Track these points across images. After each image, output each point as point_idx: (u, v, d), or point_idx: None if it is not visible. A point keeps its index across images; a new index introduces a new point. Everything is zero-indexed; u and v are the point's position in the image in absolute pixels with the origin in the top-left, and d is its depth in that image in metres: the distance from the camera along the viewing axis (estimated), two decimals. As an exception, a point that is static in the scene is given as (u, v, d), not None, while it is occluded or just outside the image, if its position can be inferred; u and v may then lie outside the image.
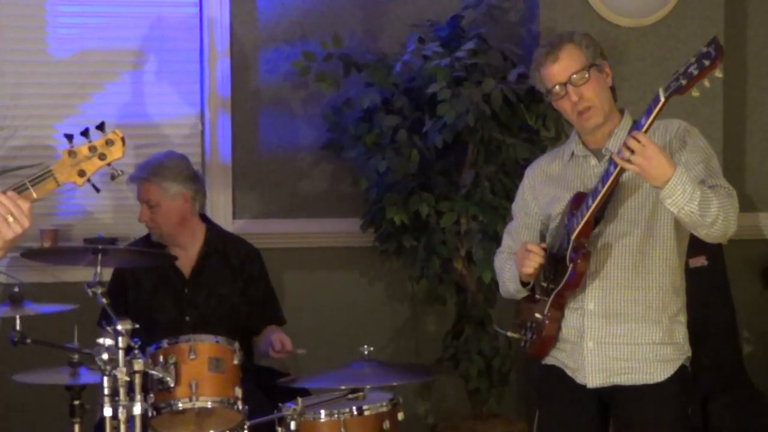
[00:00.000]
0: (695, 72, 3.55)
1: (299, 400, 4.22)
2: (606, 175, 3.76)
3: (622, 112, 4.01)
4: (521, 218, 4.20)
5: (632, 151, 3.60)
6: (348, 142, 5.80)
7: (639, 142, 3.60)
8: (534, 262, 3.92)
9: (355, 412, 4.28)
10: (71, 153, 3.54)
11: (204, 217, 5.25)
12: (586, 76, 3.88)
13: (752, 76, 6.34)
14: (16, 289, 4.74)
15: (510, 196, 5.52)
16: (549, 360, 4.07)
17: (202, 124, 5.97)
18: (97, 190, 3.62)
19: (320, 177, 6.07)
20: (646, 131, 3.63)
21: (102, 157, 3.56)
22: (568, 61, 3.88)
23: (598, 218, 3.86)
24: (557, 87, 3.90)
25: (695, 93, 3.63)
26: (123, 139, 3.59)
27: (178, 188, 5.08)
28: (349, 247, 6.07)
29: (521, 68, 5.65)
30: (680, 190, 3.62)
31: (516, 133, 5.62)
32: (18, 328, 4.49)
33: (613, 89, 3.98)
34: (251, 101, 6.00)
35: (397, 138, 5.57)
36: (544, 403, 4.16)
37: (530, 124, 5.60)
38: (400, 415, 4.38)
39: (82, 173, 3.54)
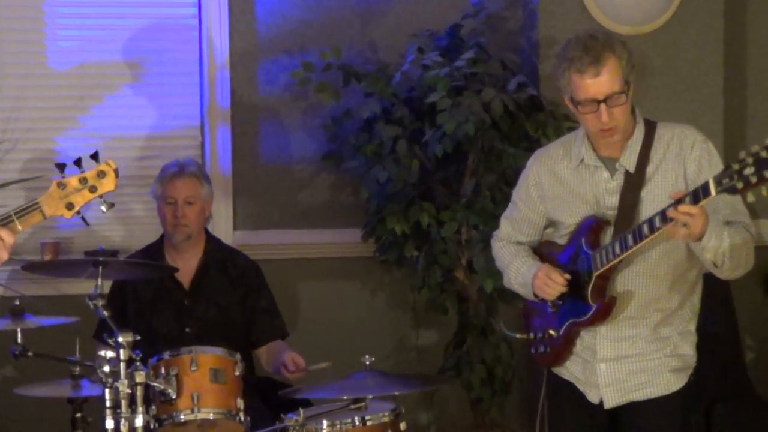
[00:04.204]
0: (753, 180, 3.34)
1: (301, 411, 4.21)
2: (639, 233, 3.65)
3: (633, 110, 3.88)
4: (524, 212, 4.14)
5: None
6: (348, 153, 5.80)
7: (692, 216, 3.50)
8: (556, 291, 3.90)
9: (358, 423, 4.27)
10: (60, 184, 3.50)
11: (204, 229, 5.26)
12: (623, 99, 3.76)
13: (752, 83, 6.34)
14: (17, 302, 4.73)
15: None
16: (561, 371, 4.07)
17: (202, 135, 5.97)
18: (87, 223, 3.60)
19: (320, 188, 6.07)
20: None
21: (93, 189, 3.52)
22: (609, 78, 3.73)
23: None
24: (590, 102, 3.77)
25: (750, 198, 3.45)
26: (116, 171, 3.54)
27: (210, 192, 5.19)
28: (350, 257, 6.07)
29: (521, 77, 5.66)
30: (716, 234, 3.59)
31: (516, 142, 5.62)
32: (19, 341, 4.49)
33: (633, 107, 3.89)
34: (251, 112, 6.00)
35: (397, 148, 5.57)
36: (554, 415, 4.15)
37: (530, 133, 5.59)
38: (403, 425, 4.37)
39: (70, 206, 3.51)
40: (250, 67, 5.99)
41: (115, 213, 5.89)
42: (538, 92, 5.68)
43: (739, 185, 3.36)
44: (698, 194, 3.47)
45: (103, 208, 3.58)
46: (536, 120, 5.59)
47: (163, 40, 5.94)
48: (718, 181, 3.41)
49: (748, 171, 3.34)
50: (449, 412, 6.17)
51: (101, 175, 3.53)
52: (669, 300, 3.91)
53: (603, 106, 3.74)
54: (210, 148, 5.95)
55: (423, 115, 5.65)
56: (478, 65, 5.62)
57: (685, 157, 3.81)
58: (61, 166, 3.52)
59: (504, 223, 4.24)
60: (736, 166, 3.37)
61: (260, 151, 6.02)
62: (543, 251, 4.11)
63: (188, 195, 5.08)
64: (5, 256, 3.38)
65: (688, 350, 3.98)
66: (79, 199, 3.52)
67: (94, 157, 3.56)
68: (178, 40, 5.95)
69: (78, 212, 3.54)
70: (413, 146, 5.60)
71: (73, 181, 3.51)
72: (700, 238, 3.60)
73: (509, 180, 5.59)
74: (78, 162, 3.52)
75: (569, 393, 4.03)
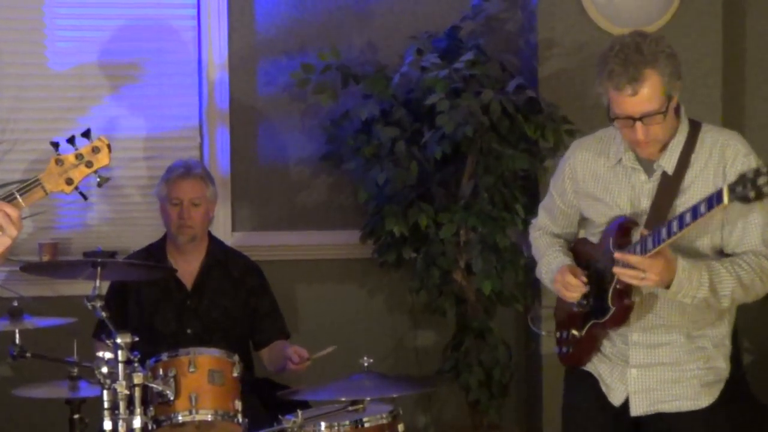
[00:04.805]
0: (767, 190, 3.27)
1: (299, 412, 4.21)
2: (658, 237, 3.55)
3: (677, 110, 3.76)
4: (559, 204, 4.05)
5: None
6: (347, 154, 5.80)
7: (650, 270, 3.52)
8: (576, 293, 3.82)
9: (356, 424, 4.27)
10: (58, 161, 3.60)
11: (207, 231, 5.27)
12: (660, 118, 3.63)
13: (750, 87, 6.35)
14: (16, 303, 4.73)
15: (509, 207, 5.54)
16: (586, 365, 3.97)
17: (201, 136, 5.97)
18: (85, 198, 3.68)
19: (319, 189, 6.07)
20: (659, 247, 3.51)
21: (89, 164, 3.61)
22: (647, 98, 3.60)
23: None
24: (625, 118, 3.65)
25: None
26: (109, 146, 3.65)
27: (215, 193, 5.20)
28: (349, 258, 6.07)
29: (520, 79, 5.66)
30: (686, 284, 3.57)
31: (515, 144, 5.62)
32: (17, 342, 4.49)
33: (678, 105, 3.76)
34: (250, 113, 6.00)
35: (395, 149, 5.57)
36: (570, 416, 4.07)
37: (529, 135, 5.59)
38: (401, 427, 4.37)
39: (69, 181, 3.59)
40: (248, 69, 5.99)
41: (113, 214, 5.91)
42: (537, 94, 5.69)
43: (752, 194, 3.29)
44: (711, 201, 3.40)
45: (98, 180, 3.67)
46: (535, 122, 5.59)
47: (161, 41, 5.94)
48: (732, 189, 3.33)
49: (762, 181, 3.27)
50: (447, 414, 6.17)
51: (96, 150, 3.63)
52: (704, 309, 3.79)
53: (638, 123, 3.63)
54: (209, 149, 5.95)
55: (422, 116, 5.65)
56: (477, 67, 5.62)
57: (726, 168, 3.70)
58: (55, 145, 3.62)
59: (542, 212, 4.16)
60: (750, 173, 3.30)
61: (259, 152, 6.02)
62: (579, 249, 4.01)
63: (194, 196, 5.09)
64: (14, 232, 3.43)
65: (722, 363, 3.88)
66: (77, 175, 3.61)
67: (86, 134, 3.65)
68: (176, 41, 5.95)
69: (76, 187, 3.62)
70: (412, 148, 5.60)
71: (70, 158, 3.61)
72: (667, 286, 3.58)
73: (508, 182, 5.60)
74: (71, 140, 3.63)
75: (591, 395, 3.94)
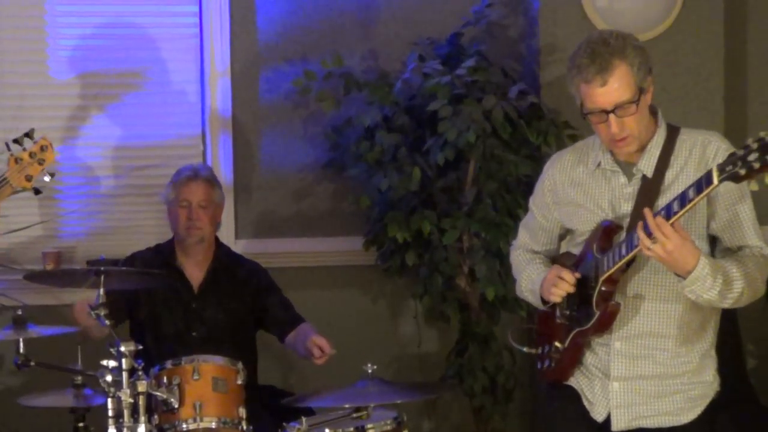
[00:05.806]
0: (756, 165, 3.19)
1: (303, 419, 4.21)
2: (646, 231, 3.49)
3: (655, 113, 3.76)
4: (539, 219, 4.02)
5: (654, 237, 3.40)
6: (349, 161, 5.81)
7: (663, 234, 3.39)
8: (563, 291, 3.75)
9: (360, 431, 4.27)
10: (17, 160, 3.95)
11: (214, 236, 5.29)
12: (633, 109, 3.60)
13: (753, 91, 6.35)
14: (20, 312, 4.73)
15: (512, 213, 5.54)
16: (569, 380, 3.92)
17: (204, 144, 5.97)
18: (38, 192, 4.01)
19: (322, 196, 6.07)
20: (674, 219, 3.41)
21: (41, 162, 3.97)
22: (617, 88, 3.58)
23: (630, 262, 3.65)
24: (598, 112, 3.62)
25: (753, 187, 3.29)
26: (51, 144, 4.05)
27: (222, 197, 5.24)
28: (352, 265, 6.07)
29: (522, 85, 5.66)
30: (700, 282, 3.49)
31: (517, 149, 5.62)
32: (22, 350, 4.49)
33: (655, 108, 3.75)
34: (252, 121, 6.00)
35: (398, 156, 5.57)
36: (553, 429, 4.02)
37: (531, 141, 5.59)
38: (405, 433, 4.37)
39: (29, 178, 3.95)
40: (251, 76, 5.99)
41: (116, 222, 5.91)
42: (539, 100, 5.69)
43: (742, 172, 3.22)
44: (701, 184, 3.34)
45: (47, 178, 4.02)
46: (537, 127, 5.59)
47: (164, 49, 5.94)
48: (721, 168, 3.27)
49: (752, 157, 3.20)
50: (451, 420, 6.16)
51: (44, 149, 3.98)
52: (689, 315, 3.74)
53: (612, 116, 3.60)
54: (211, 156, 5.95)
55: (424, 123, 5.65)
56: (479, 73, 5.62)
57: (708, 164, 3.62)
58: (7, 146, 3.94)
59: (521, 231, 4.13)
60: (740, 152, 3.24)
61: (261, 159, 6.02)
62: (561, 262, 3.93)
63: (202, 198, 5.11)
64: None
65: (709, 376, 3.83)
66: (33, 171, 3.96)
67: (29, 135, 3.97)
68: (179, 49, 5.96)
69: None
70: (414, 154, 5.61)
71: (25, 156, 3.95)
72: (680, 273, 3.49)
73: (510, 187, 5.60)
74: (18, 140, 3.95)
75: (573, 409, 3.88)
